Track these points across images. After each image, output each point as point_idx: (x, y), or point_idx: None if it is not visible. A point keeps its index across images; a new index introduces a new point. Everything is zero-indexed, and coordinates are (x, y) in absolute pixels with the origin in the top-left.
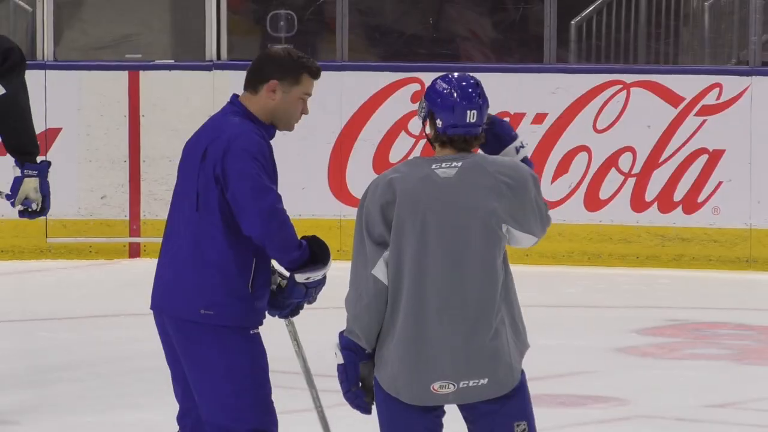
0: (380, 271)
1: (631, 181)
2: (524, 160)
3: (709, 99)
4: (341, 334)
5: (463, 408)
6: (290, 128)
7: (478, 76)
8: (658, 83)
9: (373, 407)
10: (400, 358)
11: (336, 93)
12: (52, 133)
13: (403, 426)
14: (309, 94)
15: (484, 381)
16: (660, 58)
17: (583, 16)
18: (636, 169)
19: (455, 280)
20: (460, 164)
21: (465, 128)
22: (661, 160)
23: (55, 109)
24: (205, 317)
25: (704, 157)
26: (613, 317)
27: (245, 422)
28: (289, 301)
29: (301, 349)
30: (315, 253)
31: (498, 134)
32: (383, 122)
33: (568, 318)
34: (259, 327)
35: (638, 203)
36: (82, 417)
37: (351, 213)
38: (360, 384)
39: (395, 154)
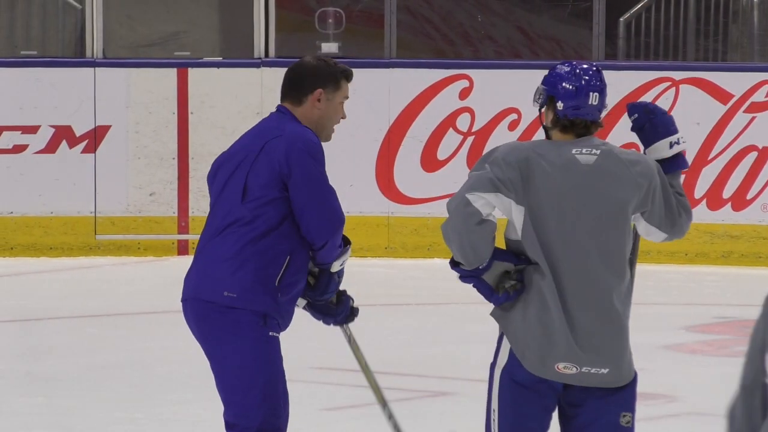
0: (478, 200)
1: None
2: (678, 157)
3: (758, 96)
4: (452, 268)
5: (572, 392)
6: (329, 137)
7: (525, 72)
8: (707, 80)
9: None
10: (532, 335)
11: (384, 90)
12: (101, 131)
13: (524, 407)
14: (347, 98)
15: (605, 371)
16: (709, 55)
17: (631, 12)
18: None
19: (591, 266)
20: (599, 152)
21: (587, 110)
22: (710, 157)
23: (104, 107)
24: (227, 299)
25: (753, 154)
26: (662, 314)
27: (251, 419)
28: (326, 296)
29: (359, 352)
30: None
31: (656, 125)
32: (431, 119)
33: None
34: (280, 332)
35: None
36: (131, 413)
37: (399, 210)
38: (505, 282)
39: (443, 151)
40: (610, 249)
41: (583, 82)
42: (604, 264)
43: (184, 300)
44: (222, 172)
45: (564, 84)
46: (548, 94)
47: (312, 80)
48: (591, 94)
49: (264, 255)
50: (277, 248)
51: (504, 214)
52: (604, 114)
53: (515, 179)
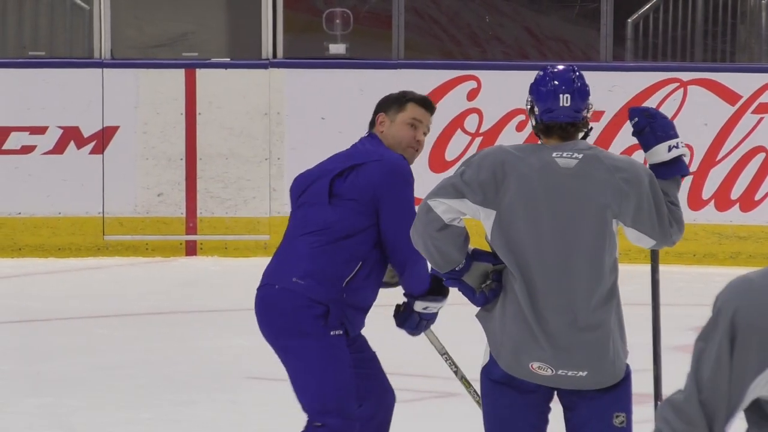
0: (439, 205)
1: (688, 179)
2: (677, 161)
3: (766, 97)
4: (432, 272)
5: (563, 394)
6: (408, 161)
7: (533, 73)
8: (715, 81)
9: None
10: (508, 335)
11: (392, 91)
12: (109, 131)
13: (507, 406)
14: (418, 120)
15: (583, 373)
16: (717, 56)
17: (639, 13)
18: (693, 167)
19: (564, 270)
20: (580, 156)
21: (559, 112)
22: (718, 158)
23: (112, 107)
24: (294, 285)
25: (761, 155)
26: (670, 315)
27: (329, 416)
28: (403, 328)
29: (443, 349)
30: (434, 288)
31: (656, 128)
32: (439, 120)
33: (625, 316)
34: (347, 332)
35: (695, 201)
36: (138, 413)
37: None
38: (485, 282)
39: (451, 152)
40: (586, 252)
41: (551, 86)
42: (580, 267)
43: (258, 287)
44: (309, 181)
45: (539, 89)
46: (532, 102)
47: (377, 108)
48: (561, 96)
49: (338, 255)
50: (352, 252)
51: (474, 218)
52: (590, 114)
53: (487, 182)
